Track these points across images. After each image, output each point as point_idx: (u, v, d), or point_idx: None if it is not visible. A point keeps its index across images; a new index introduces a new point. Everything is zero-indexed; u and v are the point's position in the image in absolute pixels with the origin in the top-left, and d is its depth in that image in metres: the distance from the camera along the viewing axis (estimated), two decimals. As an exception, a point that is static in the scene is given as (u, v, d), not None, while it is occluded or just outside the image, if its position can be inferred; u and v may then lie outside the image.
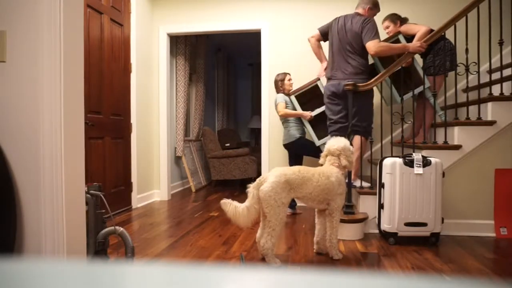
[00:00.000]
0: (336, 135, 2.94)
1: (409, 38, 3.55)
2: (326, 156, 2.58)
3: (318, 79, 3.80)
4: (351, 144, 3.08)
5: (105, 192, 3.49)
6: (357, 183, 3.33)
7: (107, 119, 3.82)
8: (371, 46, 3.16)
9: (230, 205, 2.33)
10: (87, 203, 1.89)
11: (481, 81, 3.52)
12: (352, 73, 3.28)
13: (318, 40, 3.63)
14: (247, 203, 2.33)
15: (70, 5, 1.61)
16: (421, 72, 3.56)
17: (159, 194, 4.83)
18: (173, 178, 5.31)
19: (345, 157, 2.52)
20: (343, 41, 3.33)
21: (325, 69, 3.57)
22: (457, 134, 3.09)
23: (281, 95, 3.85)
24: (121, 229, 1.94)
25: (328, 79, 3.46)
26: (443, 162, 2.97)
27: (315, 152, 3.80)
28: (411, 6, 4.23)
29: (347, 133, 3.20)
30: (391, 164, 2.82)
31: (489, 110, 3.06)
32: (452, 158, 3.07)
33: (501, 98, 3.03)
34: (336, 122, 3.37)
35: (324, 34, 3.57)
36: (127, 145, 4.24)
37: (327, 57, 3.60)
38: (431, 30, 3.42)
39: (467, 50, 3.12)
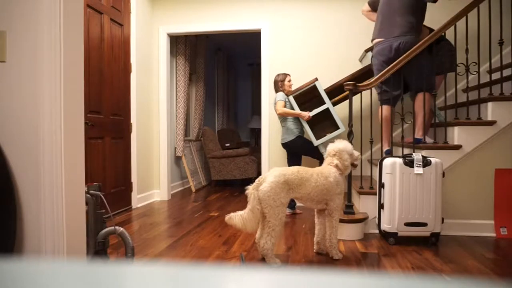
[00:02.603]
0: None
1: None
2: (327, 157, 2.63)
3: (316, 79, 3.80)
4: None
5: (105, 192, 3.50)
6: (428, 139, 3.28)
7: (107, 119, 3.82)
8: None
9: (235, 217, 2.33)
10: (87, 203, 1.89)
11: (481, 81, 3.51)
12: (403, 32, 3.21)
13: (369, 11, 3.69)
14: (249, 206, 2.33)
15: (70, 5, 1.61)
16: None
17: (159, 194, 4.83)
18: (173, 178, 5.31)
19: (338, 158, 2.53)
20: (391, 1, 3.28)
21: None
22: (457, 134, 3.09)
23: (281, 94, 3.83)
24: (121, 229, 1.94)
25: (375, 44, 3.41)
26: (443, 162, 2.98)
27: (313, 152, 3.80)
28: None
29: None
30: (391, 164, 2.82)
31: (489, 110, 3.06)
32: (452, 158, 3.07)
33: (501, 98, 3.03)
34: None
35: (372, 3, 3.59)
36: (127, 145, 4.24)
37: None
38: (429, 32, 3.43)
39: (467, 50, 3.12)
